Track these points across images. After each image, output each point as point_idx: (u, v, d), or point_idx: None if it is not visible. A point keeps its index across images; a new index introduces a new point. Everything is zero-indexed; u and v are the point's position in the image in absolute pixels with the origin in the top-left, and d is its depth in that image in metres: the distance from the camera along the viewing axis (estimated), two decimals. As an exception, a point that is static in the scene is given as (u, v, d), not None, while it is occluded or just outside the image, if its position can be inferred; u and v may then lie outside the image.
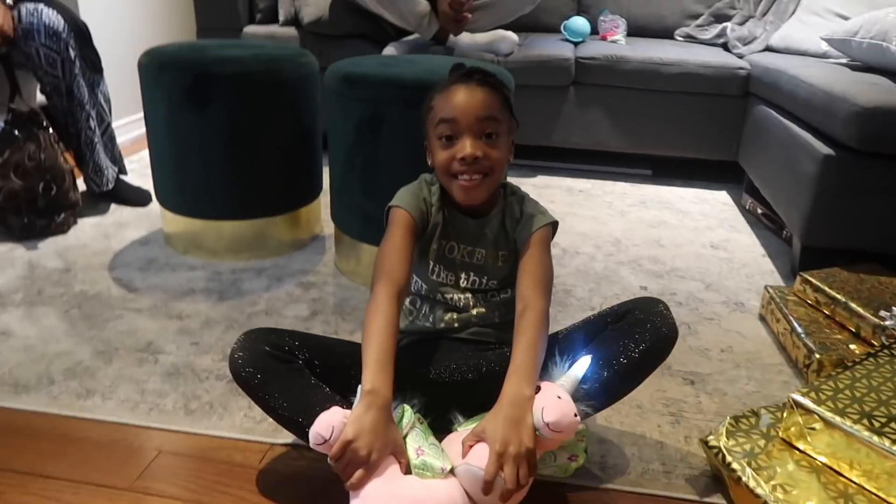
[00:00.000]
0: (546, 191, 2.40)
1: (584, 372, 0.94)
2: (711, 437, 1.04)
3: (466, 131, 1.02)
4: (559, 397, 0.88)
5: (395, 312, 0.95)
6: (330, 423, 0.86)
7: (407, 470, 0.87)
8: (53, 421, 1.14)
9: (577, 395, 0.92)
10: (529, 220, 1.08)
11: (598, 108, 2.52)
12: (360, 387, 0.91)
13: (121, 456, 1.06)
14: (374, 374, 0.89)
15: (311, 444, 0.87)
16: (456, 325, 1.09)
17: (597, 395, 0.97)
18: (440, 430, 0.95)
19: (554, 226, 1.09)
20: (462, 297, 1.09)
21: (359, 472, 0.84)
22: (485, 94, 1.03)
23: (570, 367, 0.94)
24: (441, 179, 1.08)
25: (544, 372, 0.95)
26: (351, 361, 1.02)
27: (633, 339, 0.99)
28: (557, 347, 1.00)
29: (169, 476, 1.03)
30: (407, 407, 0.92)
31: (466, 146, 1.01)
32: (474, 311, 1.09)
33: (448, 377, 1.05)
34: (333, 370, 1.01)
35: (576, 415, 0.87)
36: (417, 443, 0.89)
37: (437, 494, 0.85)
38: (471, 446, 0.87)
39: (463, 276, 1.10)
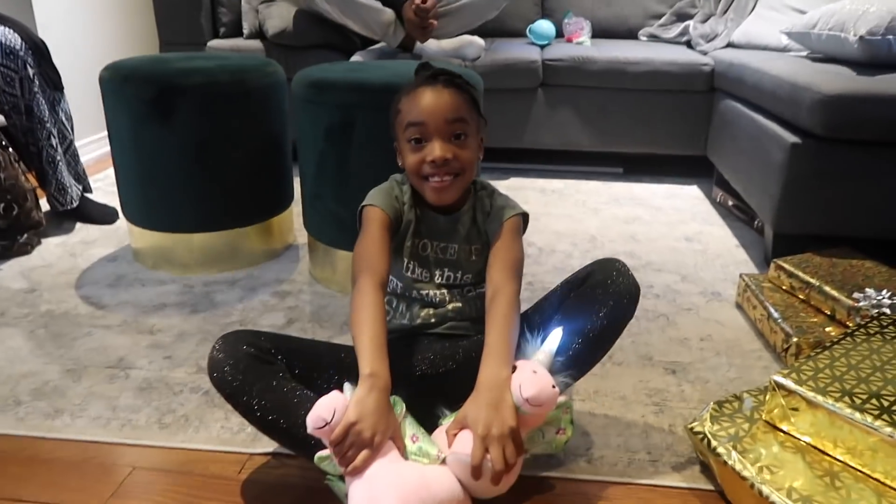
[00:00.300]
0: (520, 192, 2.40)
1: (556, 344, 0.93)
2: (696, 423, 1.03)
3: (435, 134, 1.01)
4: (535, 372, 0.87)
5: (381, 301, 0.95)
6: (332, 406, 0.84)
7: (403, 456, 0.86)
8: (21, 443, 1.09)
9: (554, 367, 0.91)
10: (500, 212, 1.08)
11: (568, 109, 2.53)
12: (346, 384, 0.90)
13: (93, 474, 1.02)
14: (372, 357, 0.88)
15: (310, 429, 0.85)
16: (432, 320, 1.08)
17: (573, 363, 0.97)
18: (426, 427, 0.94)
19: (524, 217, 1.09)
20: (437, 292, 1.08)
21: (363, 454, 0.83)
22: (451, 96, 1.02)
23: (542, 341, 0.94)
24: (412, 181, 1.07)
25: (517, 350, 0.94)
26: (329, 362, 1.01)
27: (598, 302, 0.99)
28: (527, 325, 0.99)
29: (144, 492, 0.99)
30: (398, 398, 0.91)
31: (436, 149, 1.00)
32: (450, 307, 1.08)
33: (427, 369, 1.04)
34: (313, 371, 0.99)
35: (554, 387, 0.87)
36: (412, 430, 0.89)
37: (442, 479, 0.84)
38: (455, 435, 0.86)
39: (437, 272, 1.09)
